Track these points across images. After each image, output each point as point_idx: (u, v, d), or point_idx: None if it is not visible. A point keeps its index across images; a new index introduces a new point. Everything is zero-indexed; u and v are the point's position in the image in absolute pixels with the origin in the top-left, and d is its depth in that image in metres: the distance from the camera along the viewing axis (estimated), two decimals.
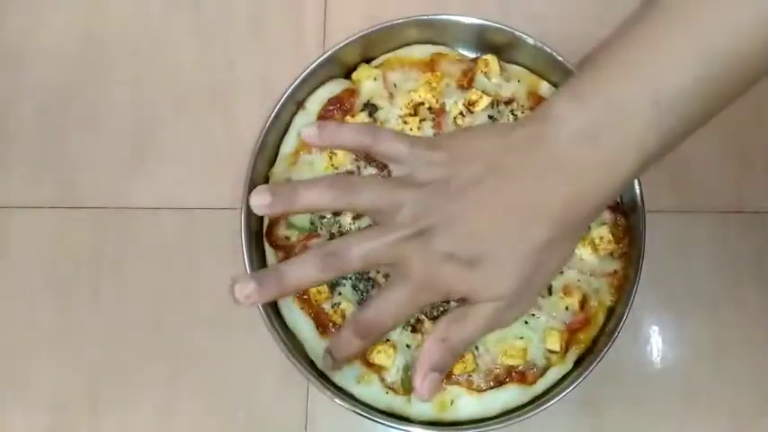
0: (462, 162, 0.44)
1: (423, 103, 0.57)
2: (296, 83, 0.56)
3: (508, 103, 0.57)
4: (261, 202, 0.45)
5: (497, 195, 0.42)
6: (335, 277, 0.47)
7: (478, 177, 0.43)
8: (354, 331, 0.45)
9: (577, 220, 0.43)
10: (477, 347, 0.52)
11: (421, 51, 0.59)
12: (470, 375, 0.52)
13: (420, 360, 0.45)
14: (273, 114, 0.56)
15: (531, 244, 0.42)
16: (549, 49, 0.56)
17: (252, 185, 0.54)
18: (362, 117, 0.56)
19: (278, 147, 0.57)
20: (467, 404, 0.52)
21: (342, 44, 0.57)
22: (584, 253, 0.54)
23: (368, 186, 0.45)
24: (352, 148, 0.51)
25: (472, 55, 0.59)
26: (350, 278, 0.53)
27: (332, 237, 0.54)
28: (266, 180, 0.57)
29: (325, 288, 0.53)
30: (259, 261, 0.55)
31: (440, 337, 0.45)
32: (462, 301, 0.45)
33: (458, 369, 0.51)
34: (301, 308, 0.53)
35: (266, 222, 0.56)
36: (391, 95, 0.57)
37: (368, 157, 0.55)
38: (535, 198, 0.42)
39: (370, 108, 0.57)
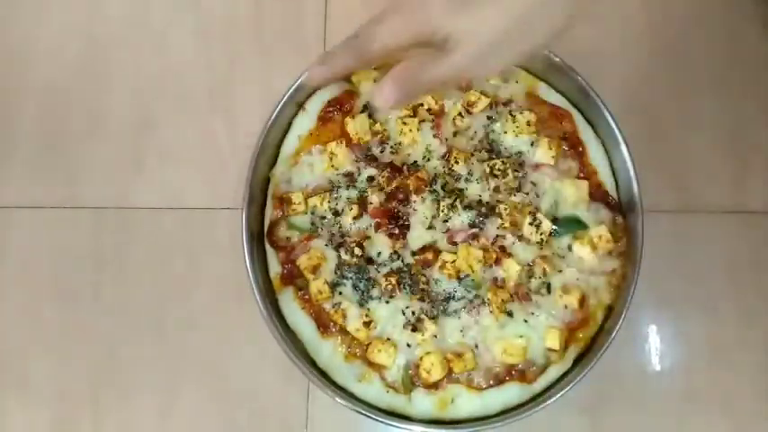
0: None
1: (422, 105, 0.57)
2: (296, 84, 0.56)
3: (506, 103, 0.57)
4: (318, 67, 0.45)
5: None
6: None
7: None
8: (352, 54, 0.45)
9: None
10: (476, 346, 0.52)
11: None
12: (470, 374, 0.52)
13: (388, 76, 0.42)
14: (274, 116, 0.56)
15: None
16: (546, 51, 0.56)
17: (252, 186, 0.55)
18: (362, 118, 0.56)
19: (278, 147, 0.58)
20: (467, 402, 0.52)
21: None
22: (583, 252, 0.54)
23: None
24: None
25: None
26: (350, 278, 0.53)
27: (332, 237, 0.54)
28: (267, 181, 0.57)
29: (326, 288, 0.53)
30: (260, 262, 0.55)
31: (411, 66, 0.42)
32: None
33: (458, 368, 0.52)
34: (302, 308, 0.53)
35: (267, 223, 0.56)
36: None
37: (368, 158, 0.56)
38: None
39: (370, 109, 0.57)
